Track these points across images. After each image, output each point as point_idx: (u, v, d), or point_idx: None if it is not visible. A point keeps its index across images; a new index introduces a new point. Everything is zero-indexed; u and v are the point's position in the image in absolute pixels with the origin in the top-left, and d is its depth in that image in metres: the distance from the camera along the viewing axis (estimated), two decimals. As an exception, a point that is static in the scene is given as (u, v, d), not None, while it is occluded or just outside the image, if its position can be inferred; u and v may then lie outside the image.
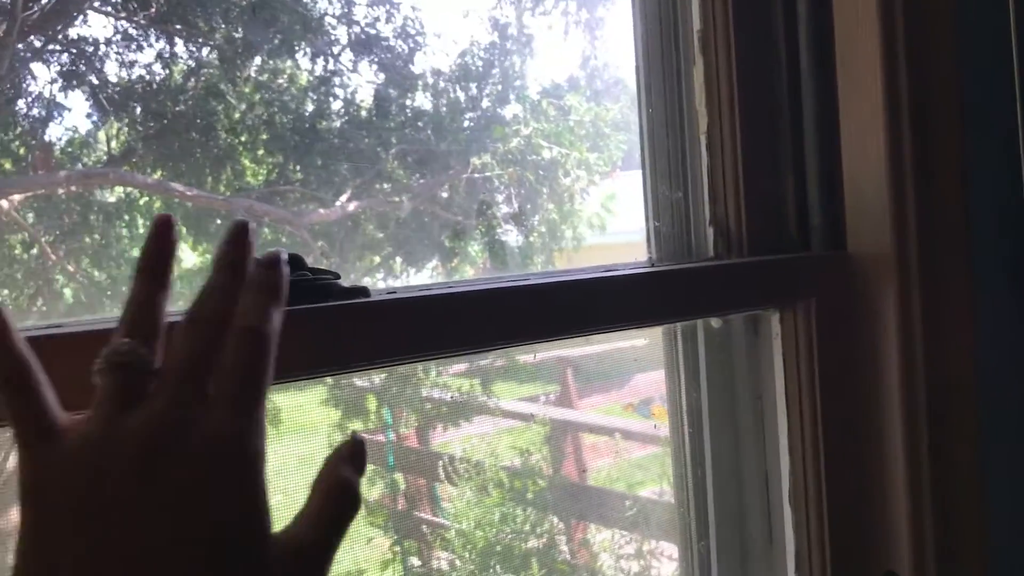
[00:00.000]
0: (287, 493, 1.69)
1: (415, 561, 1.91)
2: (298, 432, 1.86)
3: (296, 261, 0.59)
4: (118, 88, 1.87)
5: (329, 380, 1.79)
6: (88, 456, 0.46)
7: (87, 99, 1.85)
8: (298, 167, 2.07)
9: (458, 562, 1.94)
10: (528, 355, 1.88)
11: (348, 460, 0.55)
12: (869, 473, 0.84)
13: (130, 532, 0.45)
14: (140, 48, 1.83)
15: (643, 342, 1.16)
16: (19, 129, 1.69)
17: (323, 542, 0.50)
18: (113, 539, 0.45)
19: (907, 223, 0.81)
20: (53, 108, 1.76)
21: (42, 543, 0.46)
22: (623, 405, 2.16)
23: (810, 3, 0.85)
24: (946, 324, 0.83)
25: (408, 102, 2.21)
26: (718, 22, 0.86)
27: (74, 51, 1.85)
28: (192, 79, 1.94)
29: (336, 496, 0.53)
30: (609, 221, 2.21)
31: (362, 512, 1.82)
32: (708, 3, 0.87)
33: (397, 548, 1.85)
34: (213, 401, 0.49)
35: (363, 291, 0.60)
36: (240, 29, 1.98)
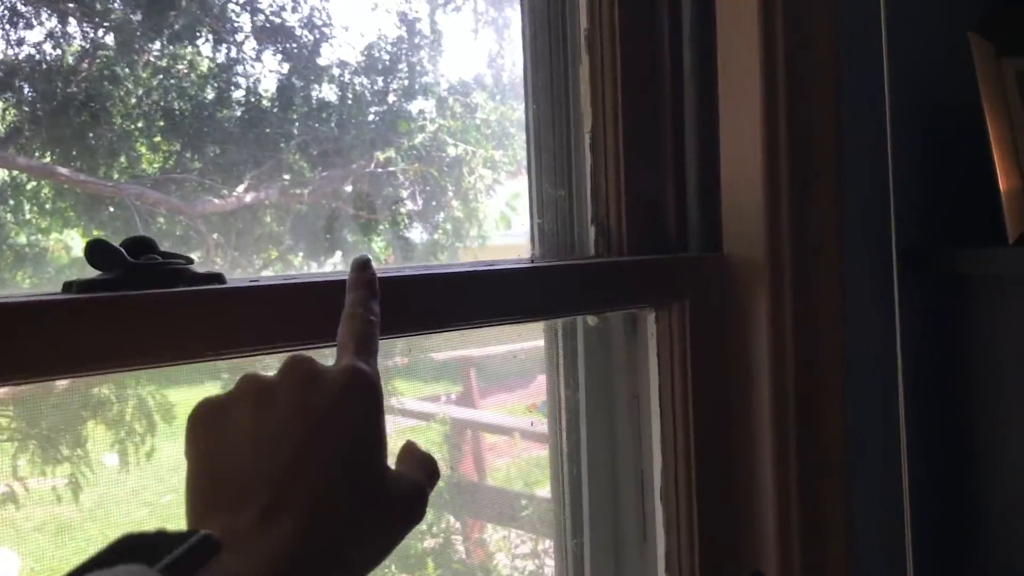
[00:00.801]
0: (179, 490, 1.64)
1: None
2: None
3: (146, 244, 0.57)
4: (4, 66, 1.79)
5: (225, 375, 1.75)
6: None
7: (-31, 77, 1.76)
8: (196, 156, 2.02)
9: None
10: (432, 353, 1.87)
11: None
12: (739, 473, 0.86)
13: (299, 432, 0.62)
14: (29, 26, 1.75)
15: (543, 344, 1.16)
16: None
17: (425, 484, 0.71)
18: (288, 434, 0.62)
19: (781, 228, 0.82)
20: (-68, 85, 1.68)
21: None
22: (527, 405, 2.16)
23: (695, 9, 0.86)
24: (816, 327, 0.84)
25: (313, 93, 2.18)
26: (604, 22, 0.86)
27: (-43, 26, 1.76)
28: (86, 61, 1.87)
29: (429, 462, 0.74)
30: (514, 220, 2.22)
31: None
32: (595, 3, 0.87)
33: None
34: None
35: (217, 277, 0.57)
36: (139, 12, 1.91)
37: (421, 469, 0.72)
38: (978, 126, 1.25)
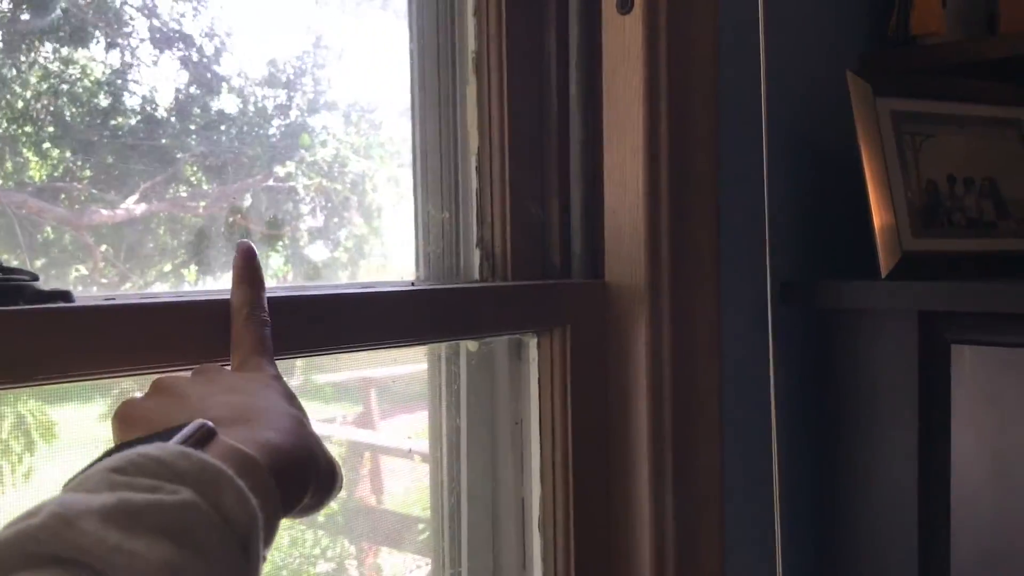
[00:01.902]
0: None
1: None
2: (76, 448, 1.72)
3: (-14, 259, 0.53)
4: None
5: (116, 391, 1.68)
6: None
7: None
8: (87, 164, 1.94)
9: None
10: (328, 374, 1.83)
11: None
12: (616, 502, 0.86)
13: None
14: (-92, 22, 1.67)
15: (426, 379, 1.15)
16: None
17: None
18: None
19: (660, 257, 0.83)
20: None
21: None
22: (427, 428, 2.13)
23: (582, 36, 0.87)
24: (694, 354, 0.85)
25: (212, 104, 2.13)
26: (492, 45, 0.86)
27: None
28: (-30, 62, 1.79)
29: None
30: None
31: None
32: (483, 25, 0.87)
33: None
34: None
35: (64, 295, 0.54)
36: (28, 12, 1.84)
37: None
38: (854, 163, 1.30)
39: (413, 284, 0.82)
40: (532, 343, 0.85)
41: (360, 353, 1.51)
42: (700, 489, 0.89)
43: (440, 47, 0.85)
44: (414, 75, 0.83)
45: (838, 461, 1.37)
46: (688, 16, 0.89)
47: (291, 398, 0.72)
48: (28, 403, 1.60)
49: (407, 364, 1.59)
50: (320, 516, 1.97)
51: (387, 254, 2.14)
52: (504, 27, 0.83)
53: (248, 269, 0.78)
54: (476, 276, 0.86)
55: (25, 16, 1.84)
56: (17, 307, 0.51)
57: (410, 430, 2.05)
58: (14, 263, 1.93)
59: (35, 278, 0.53)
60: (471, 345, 0.83)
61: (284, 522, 1.79)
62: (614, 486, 0.87)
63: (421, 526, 1.88)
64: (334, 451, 1.89)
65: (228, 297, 0.66)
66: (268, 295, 0.71)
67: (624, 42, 0.86)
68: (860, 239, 1.22)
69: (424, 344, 0.82)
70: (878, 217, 1.34)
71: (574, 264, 0.87)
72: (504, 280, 0.85)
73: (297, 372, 1.72)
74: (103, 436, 1.60)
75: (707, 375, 0.88)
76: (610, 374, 0.86)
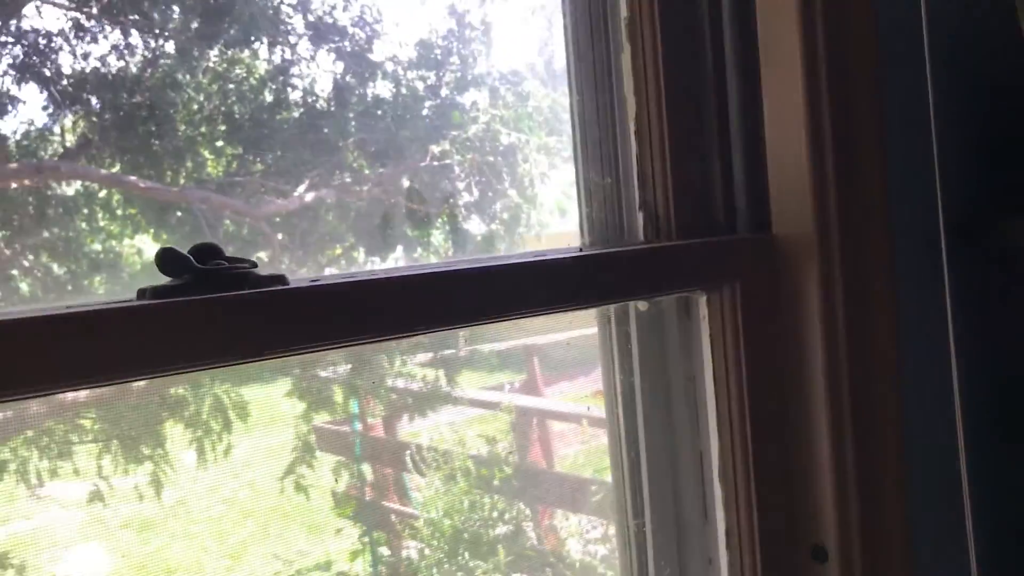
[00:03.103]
0: (255, 486, 1.69)
1: (384, 551, 1.93)
2: (265, 425, 1.86)
3: (212, 250, 0.60)
4: (72, 80, 1.86)
5: (296, 371, 1.81)
6: None
7: (41, 91, 1.83)
8: (257, 158, 2.07)
9: (427, 550, 1.96)
10: (493, 343, 1.89)
11: None
12: (795, 449, 0.86)
13: None
14: (94, 39, 1.82)
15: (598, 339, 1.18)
16: (-31, 124, 1.68)
17: None
18: None
19: (828, 205, 0.83)
20: (6, 101, 1.75)
21: None
22: (592, 392, 2.18)
23: (734, -10, 0.87)
24: (868, 303, 0.84)
25: (367, 91, 2.22)
26: (644, 10, 0.87)
27: (26, 43, 1.84)
28: (149, 70, 1.93)
29: None
30: (570, 208, 2.24)
31: (330, 503, 1.83)
32: (634, -10, 0.88)
33: (366, 538, 1.87)
34: None
35: (280, 279, 0.60)
36: (196, 20, 1.97)
37: None
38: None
39: (581, 250, 0.85)
40: (702, 300, 0.87)
41: (522, 321, 1.55)
42: (880, 439, 0.88)
43: (592, 15, 0.87)
44: (568, 46, 0.86)
45: (1020, 400, 1.31)
46: (843, -42, 0.88)
47: None
48: (223, 385, 1.73)
49: (566, 331, 1.62)
50: (496, 481, 2.05)
51: (542, 222, 2.18)
52: (655, -8, 0.85)
53: None
54: (640, 238, 0.88)
55: (195, 24, 1.97)
56: (243, 291, 0.58)
57: (573, 395, 2.09)
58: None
59: (254, 265, 0.60)
60: (641, 305, 0.85)
61: (462, 486, 1.87)
62: (793, 435, 0.87)
63: (594, 487, 1.93)
64: (503, 421, 1.96)
65: (414, 273, 0.70)
66: (446, 269, 0.74)
67: (778, -7, 0.86)
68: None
69: (595, 307, 0.85)
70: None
71: (739, 220, 0.88)
72: (669, 240, 0.87)
73: (461, 343, 1.79)
74: (288, 412, 1.72)
75: (882, 323, 0.87)
76: (783, 327, 0.86)
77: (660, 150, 0.87)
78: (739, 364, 0.85)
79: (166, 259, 0.56)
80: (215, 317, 0.56)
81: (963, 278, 0.94)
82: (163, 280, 0.60)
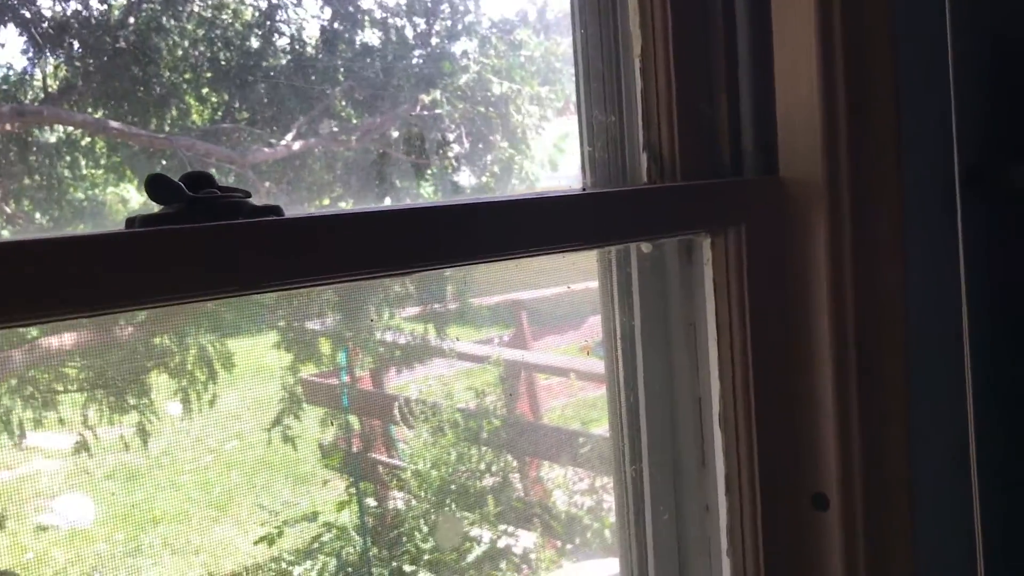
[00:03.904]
0: (242, 436, 1.67)
1: (371, 502, 1.93)
2: (251, 376, 1.84)
3: (205, 178, 0.58)
4: (53, 23, 1.81)
5: (281, 323, 1.78)
6: None
7: (21, 34, 1.78)
8: (243, 105, 2.03)
9: (414, 501, 1.96)
10: (483, 297, 1.87)
11: None
12: (798, 397, 0.85)
13: None
14: (75, -19, 1.76)
15: (596, 285, 1.16)
16: (-54, 64, 1.64)
17: None
18: None
19: (839, 150, 0.81)
20: (-16, 44, 1.70)
21: None
22: (579, 347, 2.18)
23: (745, -77, 0.84)
24: (876, 249, 0.83)
25: (356, 38, 2.17)
26: (651, -59, 0.84)
27: (5, -16, 1.78)
28: (132, 14, 1.88)
29: None
30: (562, 162, 2.21)
31: (317, 454, 1.82)
32: (642, -78, 0.85)
33: (353, 490, 1.87)
34: None
35: (275, 210, 0.58)
36: (181, -39, 1.91)
37: None
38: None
39: (585, 189, 0.83)
40: (705, 244, 0.85)
41: (511, 274, 1.53)
42: (884, 388, 0.87)
43: (598, -53, 0.85)
44: (573, -21, 0.84)
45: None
46: None
47: None
48: (208, 336, 1.71)
49: (556, 286, 1.61)
50: (484, 433, 2.04)
51: (534, 175, 2.15)
52: (664, -79, 0.82)
53: None
54: (644, 179, 0.86)
55: (179, -35, 1.91)
56: (237, 220, 0.55)
57: (560, 349, 2.08)
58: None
59: (248, 195, 0.57)
60: (644, 247, 0.84)
61: (450, 438, 1.87)
62: (796, 381, 0.86)
63: (581, 439, 1.92)
64: (492, 374, 1.95)
65: (412, 207, 0.68)
66: (448, 203, 0.72)
67: (791, -75, 0.83)
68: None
69: (597, 248, 0.83)
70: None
71: (746, 162, 0.86)
72: (673, 181, 0.84)
73: (449, 296, 1.78)
74: (275, 364, 1.70)
75: (890, 271, 0.85)
76: (789, 273, 0.84)
77: (666, 88, 0.85)
78: (743, 309, 0.84)
79: (157, 185, 0.53)
80: (207, 246, 0.54)
81: (974, 223, 0.92)
82: (155, 209, 0.58)
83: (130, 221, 0.58)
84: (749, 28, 0.84)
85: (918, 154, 0.88)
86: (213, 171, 1.92)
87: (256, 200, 0.58)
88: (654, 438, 0.89)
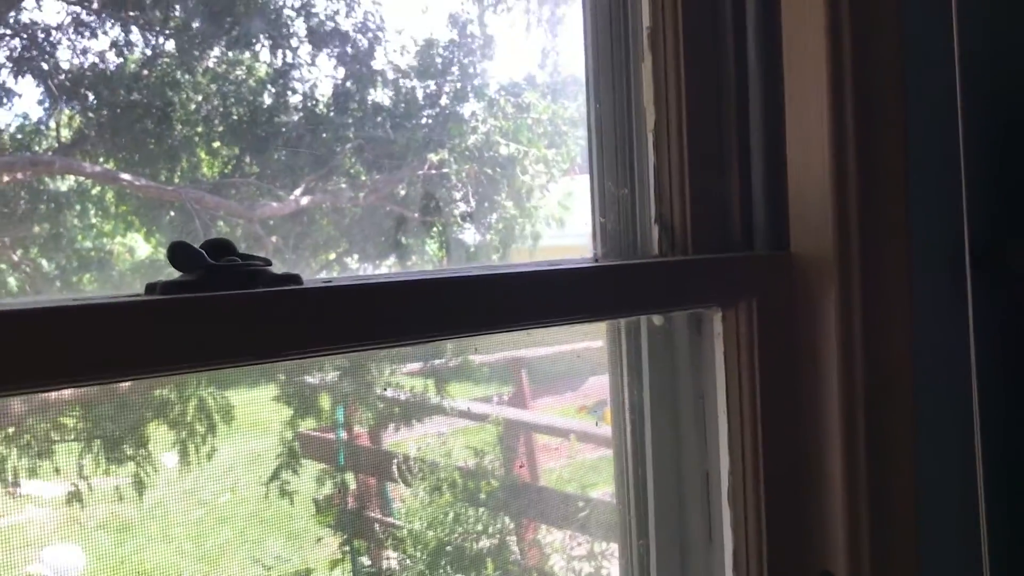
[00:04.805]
0: (236, 490, 1.66)
1: (365, 560, 1.90)
2: (249, 429, 1.83)
3: (226, 246, 0.58)
4: (70, 75, 1.83)
5: (281, 376, 1.78)
6: None
7: (38, 85, 1.81)
8: (254, 160, 2.05)
9: (409, 562, 1.94)
10: (482, 355, 1.87)
11: None
12: (807, 473, 0.85)
13: None
14: (94, 35, 1.79)
15: (598, 344, 1.16)
16: (-36, 114, 1.66)
17: None
18: None
19: (849, 225, 0.82)
20: (3, 94, 1.73)
21: None
22: (577, 407, 2.17)
23: (759, 4, 0.86)
24: (886, 325, 0.83)
25: (367, 97, 2.20)
26: (667, 20, 0.86)
27: (25, 36, 1.81)
28: (147, 68, 1.91)
29: None
30: (567, 220, 2.22)
31: (311, 510, 1.80)
32: (658, 1, 0.87)
33: (347, 548, 1.84)
34: None
35: (294, 278, 0.58)
36: (198, 19, 1.95)
37: None
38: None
39: (596, 260, 0.84)
40: (716, 317, 0.85)
41: (512, 335, 1.53)
42: (893, 465, 0.87)
43: (614, 24, 0.86)
44: (588, 53, 0.84)
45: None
46: (868, -24, 0.87)
47: None
48: (208, 387, 1.70)
49: (556, 344, 1.61)
50: (482, 494, 2.02)
51: (537, 234, 2.16)
52: (679, 2, 0.83)
53: None
54: (655, 251, 0.87)
55: (196, 23, 1.95)
56: (258, 289, 0.56)
57: (557, 409, 2.08)
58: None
59: (268, 263, 0.58)
60: (656, 319, 0.84)
61: (447, 498, 1.85)
62: (805, 457, 0.86)
63: (580, 503, 1.90)
64: (491, 433, 1.94)
65: (428, 278, 0.68)
66: (464, 274, 0.72)
67: (804, 8, 0.85)
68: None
69: (611, 319, 0.83)
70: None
71: (756, 236, 0.87)
72: (684, 254, 0.85)
73: (449, 353, 1.78)
74: (274, 417, 1.70)
75: (899, 346, 0.86)
76: (798, 346, 0.85)
77: (679, 162, 0.86)
78: (753, 383, 0.84)
79: (178, 253, 0.54)
80: (230, 314, 0.54)
81: (984, 299, 0.93)
82: (175, 276, 0.58)
83: (151, 287, 0.58)
84: (762, 104, 0.86)
85: (928, 230, 0.89)
86: (221, 223, 1.93)
87: (274, 265, 0.58)
88: (662, 512, 0.88)
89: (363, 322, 0.62)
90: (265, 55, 2.01)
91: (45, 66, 1.80)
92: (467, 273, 0.74)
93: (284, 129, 1.99)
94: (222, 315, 0.54)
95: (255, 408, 1.69)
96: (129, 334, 0.53)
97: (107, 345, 0.53)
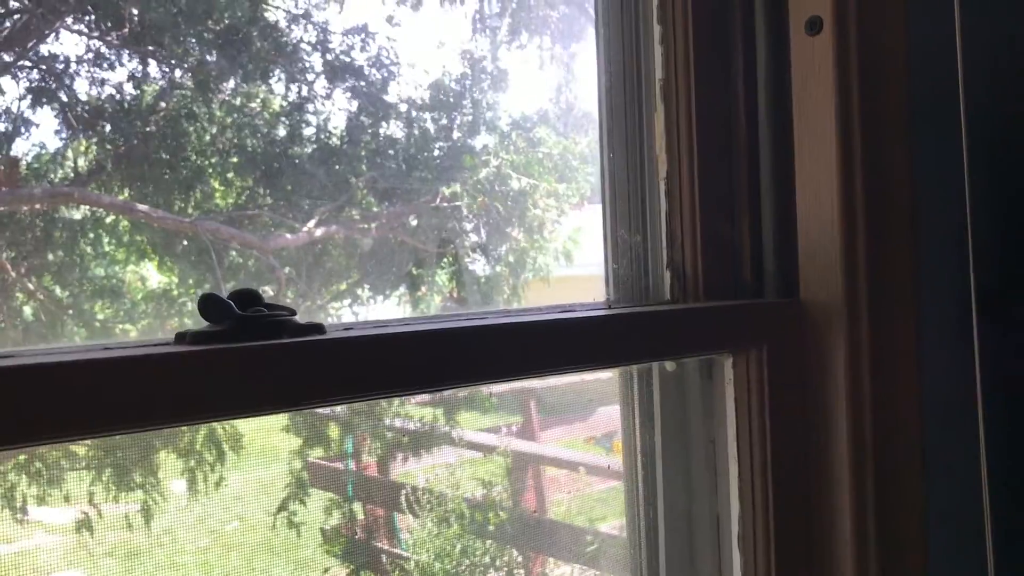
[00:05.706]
0: (245, 518, 1.66)
1: (372, 590, 1.90)
2: (258, 458, 1.84)
3: (252, 297, 0.60)
4: (88, 106, 1.86)
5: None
6: None
7: (56, 116, 1.84)
8: (267, 192, 2.07)
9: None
10: (491, 386, 1.88)
11: None
12: (816, 517, 0.86)
13: None
14: (112, 67, 1.82)
15: (606, 375, 1.17)
16: (-15, 144, 1.68)
17: None
18: None
19: (858, 273, 0.83)
20: (21, 124, 1.75)
21: None
22: (585, 438, 2.17)
23: (769, 56, 0.88)
24: (893, 373, 0.85)
25: (380, 130, 2.22)
26: (679, 72, 0.88)
27: (44, 68, 1.84)
28: (164, 100, 1.94)
29: None
30: (576, 253, 2.23)
31: (319, 540, 1.80)
32: (671, 53, 0.89)
33: (354, 578, 1.84)
34: None
35: (318, 328, 0.60)
36: (214, 52, 1.98)
37: None
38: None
39: (610, 306, 0.85)
40: (727, 363, 0.87)
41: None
42: (902, 512, 0.88)
43: (627, 75, 0.88)
44: (602, 104, 0.87)
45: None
46: (878, 30, 0.89)
47: None
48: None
49: (564, 377, 1.62)
50: (490, 526, 2.02)
51: (546, 266, 2.17)
52: (691, 55, 0.85)
53: None
54: (667, 296, 0.88)
55: (212, 57, 1.98)
56: (284, 340, 0.57)
57: (565, 440, 2.08)
58: (206, 286, 2.06)
59: (293, 313, 0.60)
60: (669, 365, 0.86)
61: (455, 529, 1.85)
62: (814, 504, 0.87)
63: (589, 537, 1.90)
64: (499, 465, 1.95)
65: (446, 327, 0.69)
66: (479, 323, 0.73)
67: (813, 62, 0.87)
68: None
69: (624, 366, 0.85)
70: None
71: (766, 283, 0.88)
72: (696, 300, 0.87)
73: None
74: (283, 446, 1.70)
75: (908, 393, 0.87)
76: (808, 393, 0.86)
77: (690, 210, 0.88)
78: (763, 429, 0.85)
79: (209, 305, 0.56)
80: (257, 364, 0.55)
81: (991, 343, 0.94)
82: (203, 325, 0.60)
83: (180, 336, 0.59)
84: (772, 153, 0.88)
85: (935, 276, 0.90)
86: (234, 254, 1.95)
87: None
88: (672, 556, 0.90)
89: (383, 372, 0.64)
90: (280, 88, 2.04)
91: (64, 97, 1.82)
92: (483, 321, 0.76)
93: (298, 161, 2.01)
94: (250, 365, 0.55)
95: (265, 437, 1.70)
96: (160, 384, 0.55)
97: (138, 396, 0.54)
